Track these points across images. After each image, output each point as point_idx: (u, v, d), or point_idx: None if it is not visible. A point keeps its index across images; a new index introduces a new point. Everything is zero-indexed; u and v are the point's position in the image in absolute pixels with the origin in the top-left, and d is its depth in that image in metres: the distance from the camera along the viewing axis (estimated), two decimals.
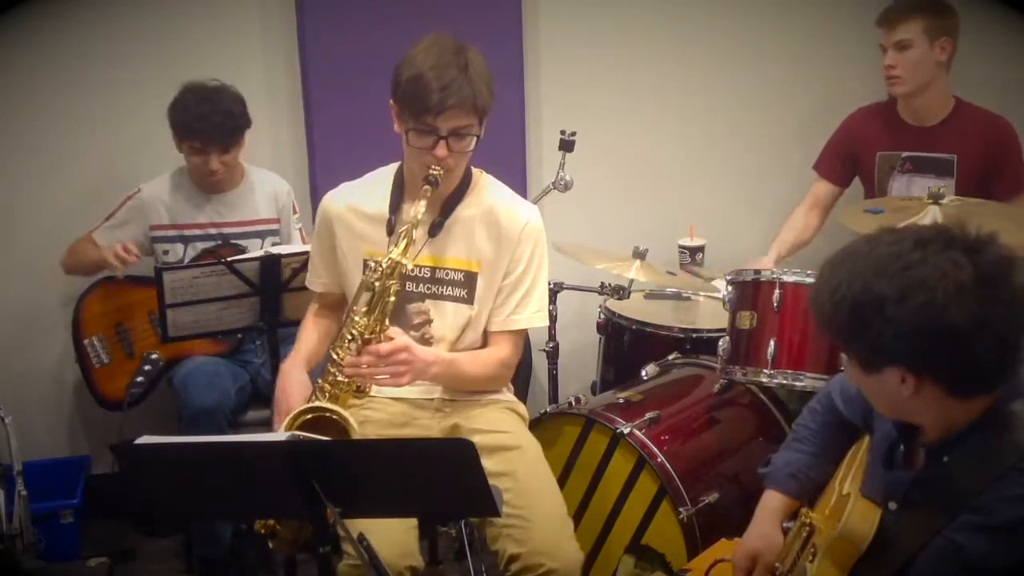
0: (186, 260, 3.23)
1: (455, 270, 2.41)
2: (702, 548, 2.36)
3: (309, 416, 2.23)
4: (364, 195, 2.45)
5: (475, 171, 2.46)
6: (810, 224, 3.45)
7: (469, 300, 2.41)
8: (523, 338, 2.52)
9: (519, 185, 3.71)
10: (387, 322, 2.26)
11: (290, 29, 3.51)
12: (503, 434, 2.38)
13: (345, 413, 2.23)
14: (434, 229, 2.38)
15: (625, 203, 3.88)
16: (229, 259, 2.88)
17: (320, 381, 2.34)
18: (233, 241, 3.26)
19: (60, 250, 3.36)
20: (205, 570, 3.21)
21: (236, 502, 1.90)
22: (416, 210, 2.24)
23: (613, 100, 3.81)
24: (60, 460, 3.55)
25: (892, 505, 1.71)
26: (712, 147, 3.93)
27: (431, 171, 2.26)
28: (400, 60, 2.30)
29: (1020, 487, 1.53)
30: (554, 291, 3.19)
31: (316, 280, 2.55)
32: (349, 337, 2.27)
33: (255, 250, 3.12)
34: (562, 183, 3.21)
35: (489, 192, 2.44)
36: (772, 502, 2.01)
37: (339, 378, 2.30)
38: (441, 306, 2.43)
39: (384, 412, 2.45)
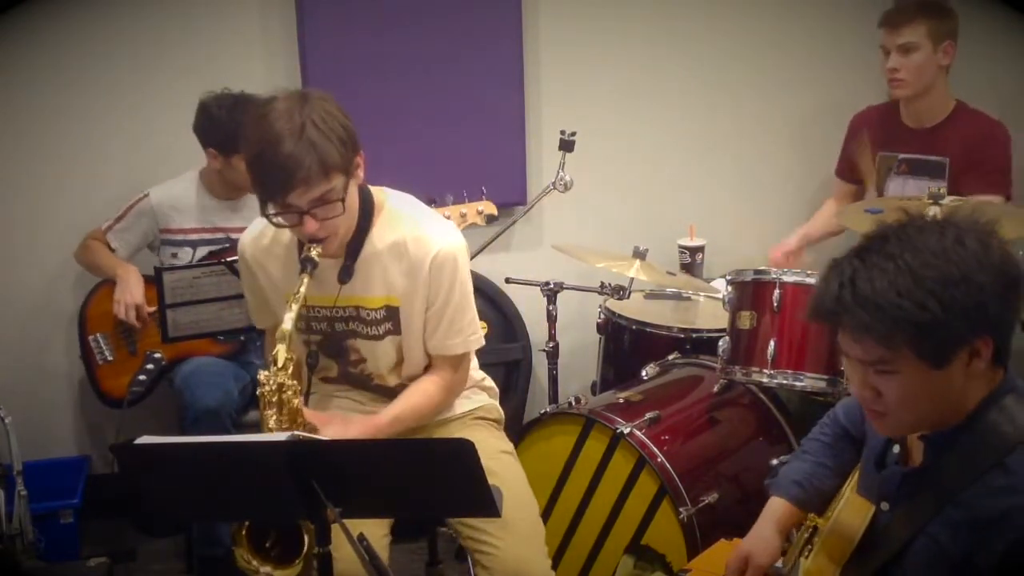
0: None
1: (376, 308, 2.29)
2: (702, 548, 2.36)
3: None
4: (272, 235, 2.32)
5: (378, 196, 2.28)
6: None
7: (396, 331, 2.31)
8: (467, 358, 2.41)
9: (519, 185, 3.72)
10: (302, 413, 2.17)
11: (290, 29, 3.51)
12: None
13: None
14: (342, 275, 2.25)
15: (625, 203, 3.88)
16: (229, 259, 2.88)
17: None
18: None
19: (65, 254, 3.37)
20: (205, 570, 3.21)
21: (236, 502, 1.90)
22: (291, 310, 2.09)
23: (613, 100, 3.81)
24: (60, 460, 3.54)
25: (885, 505, 1.71)
26: (712, 147, 3.93)
27: (307, 253, 2.13)
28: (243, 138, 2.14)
29: (1002, 481, 1.54)
30: (554, 291, 3.19)
31: (257, 317, 2.47)
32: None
33: None
34: (562, 183, 3.21)
35: (394, 221, 2.27)
36: (774, 507, 1.98)
37: None
38: (370, 345, 2.33)
39: None
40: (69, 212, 3.47)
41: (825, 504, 1.95)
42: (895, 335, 1.51)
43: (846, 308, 1.54)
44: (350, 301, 2.29)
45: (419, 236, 2.25)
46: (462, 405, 2.48)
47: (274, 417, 2.15)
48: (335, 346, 2.36)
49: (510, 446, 2.48)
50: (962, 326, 1.51)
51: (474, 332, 2.35)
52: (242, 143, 2.16)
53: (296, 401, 2.16)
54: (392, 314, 2.30)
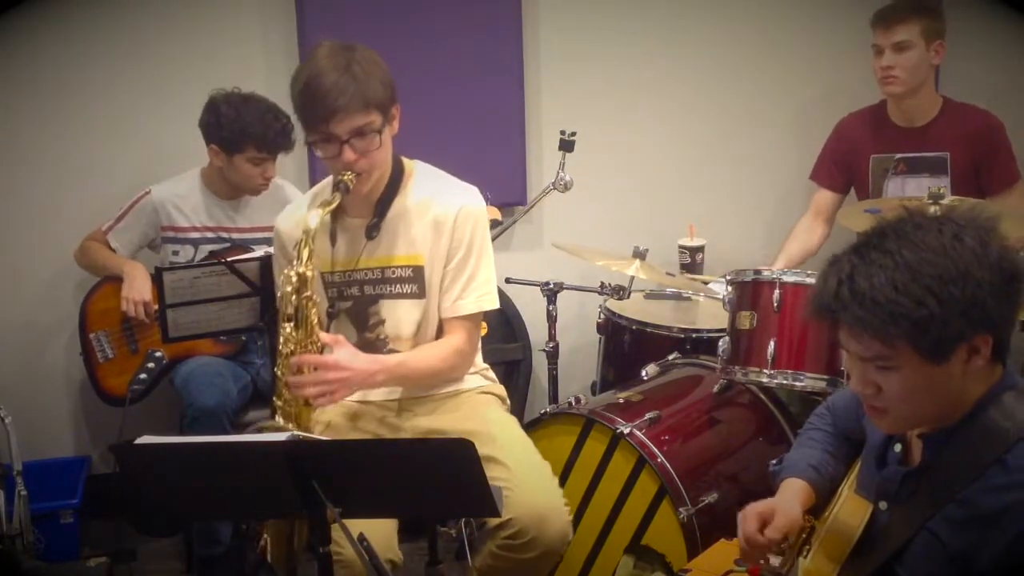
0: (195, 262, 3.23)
1: (403, 267, 2.38)
2: (702, 548, 2.36)
3: None
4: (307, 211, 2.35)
5: (408, 164, 2.41)
6: (816, 232, 3.47)
7: (421, 294, 2.39)
8: (477, 323, 2.47)
9: (519, 185, 3.72)
10: (317, 332, 2.23)
11: (290, 29, 3.52)
12: (475, 420, 2.37)
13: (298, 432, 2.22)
14: (370, 231, 2.35)
15: (625, 203, 3.88)
16: (229, 259, 2.88)
17: (273, 399, 2.30)
18: (242, 245, 3.26)
19: (65, 254, 3.38)
20: (205, 570, 3.21)
21: (236, 502, 1.90)
22: (318, 216, 2.19)
23: (613, 100, 3.82)
24: (60, 460, 3.55)
25: (883, 505, 1.71)
26: (712, 147, 3.93)
27: (341, 176, 2.22)
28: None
29: (1002, 477, 1.54)
30: (554, 291, 3.20)
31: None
32: (285, 353, 2.23)
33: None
34: (562, 183, 3.21)
35: (422, 183, 2.39)
36: (793, 487, 1.92)
37: (286, 395, 2.26)
38: (392, 305, 2.40)
39: (348, 416, 2.44)
40: (69, 212, 3.47)
41: (831, 493, 1.94)
42: (892, 331, 1.52)
43: (844, 305, 1.55)
44: (375, 262, 2.37)
45: (444, 194, 2.38)
46: (469, 382, 2.51)
47: (290, 328, 2.21)
48: (361, 312, 2.41)
49: (514, 420, 2.51)
50: (960, 323, 1.51)
51: (488, 292, 2.41)
52: (291, 82, 2.25)
53: (314, 315, 2.22)
54: (418, 275, 2.37)
